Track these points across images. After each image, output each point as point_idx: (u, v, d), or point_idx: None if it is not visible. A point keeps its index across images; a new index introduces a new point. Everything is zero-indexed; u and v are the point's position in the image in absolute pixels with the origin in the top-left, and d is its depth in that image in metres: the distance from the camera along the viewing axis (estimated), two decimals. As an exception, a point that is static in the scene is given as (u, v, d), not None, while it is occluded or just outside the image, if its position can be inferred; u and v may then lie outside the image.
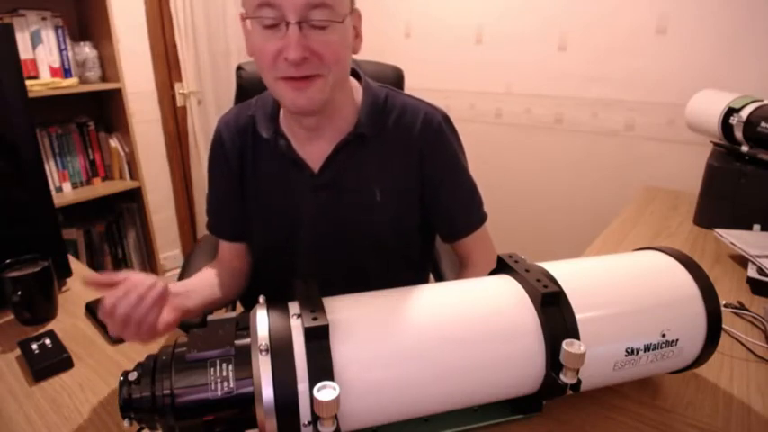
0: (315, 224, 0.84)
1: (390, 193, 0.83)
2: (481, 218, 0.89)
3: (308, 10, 0.65)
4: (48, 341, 0.73)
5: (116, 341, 0.75)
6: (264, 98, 0.88)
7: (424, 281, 1.03)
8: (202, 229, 2.63)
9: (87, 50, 1.91)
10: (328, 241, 0.85)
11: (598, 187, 1.94)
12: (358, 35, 0.78)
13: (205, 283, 0.85)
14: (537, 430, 0.57)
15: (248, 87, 1.19)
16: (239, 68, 1.25)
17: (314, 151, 0.82)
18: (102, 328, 0.78)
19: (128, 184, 2.07)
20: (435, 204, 0.86)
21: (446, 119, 0.86)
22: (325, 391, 0.42)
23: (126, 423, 0.45)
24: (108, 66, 1.95)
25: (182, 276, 1.14)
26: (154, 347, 0.54)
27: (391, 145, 0.82)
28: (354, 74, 0.87)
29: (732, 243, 0.98)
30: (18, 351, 0.72)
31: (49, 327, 0.80)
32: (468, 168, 0.89)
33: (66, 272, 0.94)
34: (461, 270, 0.91)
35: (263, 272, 0.95)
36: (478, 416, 0.57)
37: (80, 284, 0.94)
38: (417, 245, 0.90)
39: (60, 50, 1.83)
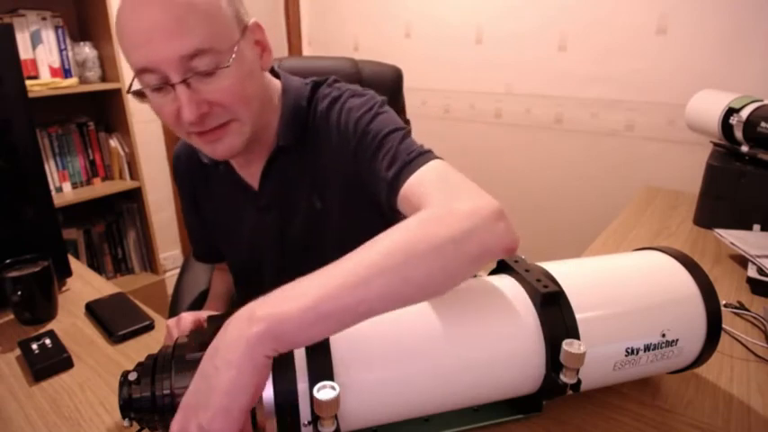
0: (273, 246, 0.82)
1: (331, 196, 0.76)
2: (410, 162, 0.64)
3: (187, 62, 0.58)
4: (48, 341, 0.73)
5: (116, 341, 0.75)
6: None
7: None
8: (202, 229, 2.63)
9: (87, 50, 1.91)
10: (293, 259, 0.81)
11: (598, 187, 1.95)
12: (264, 49, 0.69)
13: (224, 288, 0.94)
14: (537, 430, 0.57)
15: None
16: None
17: (251, 171, 0.79)
18: (102, 327, 0.78)
19: (128, 184, 2.07)
20: (369, 181, 0.70)
21: (354, 92, 0.75)
22: (325, 391, 0.42)
23: (126, 423, 0.45)
24: (108, 66, 1.95)
25: (180, 276, 1.15)
26: (154, 347, 0.54)
27: (317, 146, 0.75)
28: (276, 75, 0.79)
29: (732, 243, 0.98)
30: (18, 351, 0.72)
31: (49, 327, 0.80)
32: (395, 124, 0.70)
33: (66, 272, 0.94)
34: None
35: (241, 291, 0.96)
36: (478, 416, 0.57)
37: (80, 284, 0.94)
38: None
39: (60, 50, 1.83)
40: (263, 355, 0.40)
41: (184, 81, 0.59)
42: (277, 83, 0.77)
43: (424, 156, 0.64)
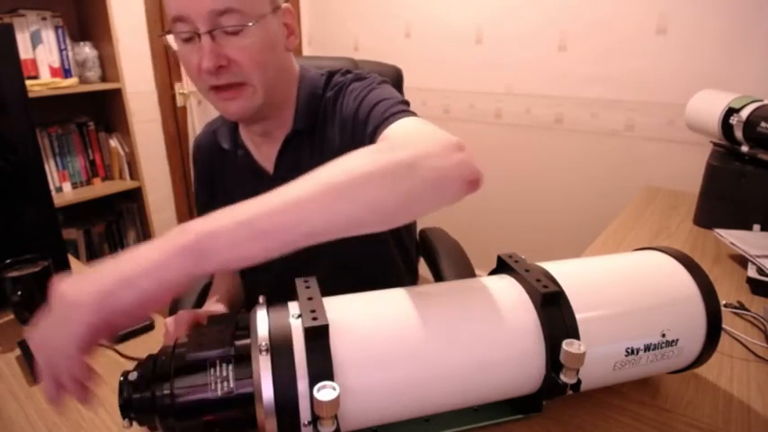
0: None
1: None
2: (393, 117, 0.66)
3: (216, 17, 0.64)
4: (48, 341, 0.73)
5: (116, 341, 0.75)
6: None
7: (413, 257, 1.04)
8: (202, 229, 2.63)
9: (87, 50, 1.91)
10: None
11: (598, 187, 1.95)
12: (292, 33, 0.75)
13: (228, 277, 0.94)
14: (537, 430, 0.57)
15: None
16: None
17: (268, 155, 0.82)
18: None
19: (128, 184, 2.07)
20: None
21: (357, 76, 0.79)
22: (325, 391, 0.42)
23: (126, 423, 0.45)
24: (108, 66, 1.95)
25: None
26: (154, 347, 0.54)
27: (331, 131, 0.79)
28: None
29: (732, 243, 0.98)
30: (18, 351, 0.72)
31: (49, 327, 0.79)
32: (387, 95, 0.72)
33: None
34: None
35: (249, 277, 0.97)
36: (478, 416, 0.57)
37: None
38: (388, 231, 0.82)
39: (60, 50, 1.83)
40: (179, 269, 0.39)
41: (210, 33, 0.64)
42: (297, 71, 0.81)
43: (400, 113, 0.66)
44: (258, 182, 0.83)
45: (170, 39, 0.70)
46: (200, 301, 1.04)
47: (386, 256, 0.91)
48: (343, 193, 0.44)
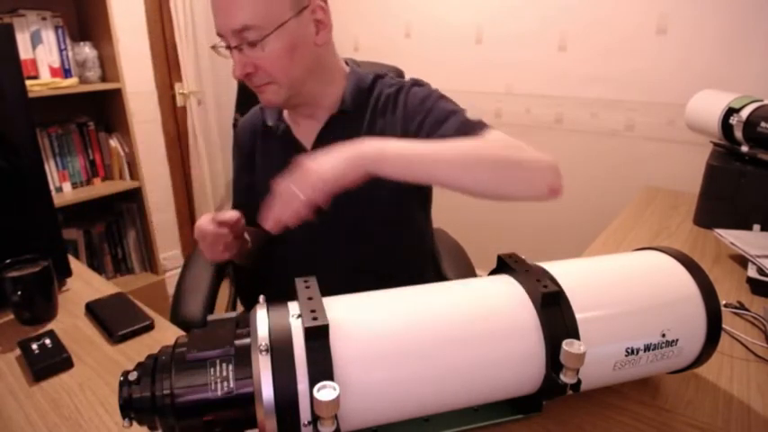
0: None
1: None
2: (480, 126, 0.81)
3: (239, 33, 0.75)
4: (48, 341, 0.73)
5: (116, 341, 0.75)
6: None
7: (429, 247, 1.09)
8: (202, 229, 2.62)
9: (87, 50, 1.91)
10: (329, 215, 0.83)
11: (598, 187, 1.95)
12: (324, 27, 0.81)
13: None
14: (537, 430, 0.57)
15: (248, 87, 1.20)
16: None
17: (308, 132, 0.91)
18: (102, 327, 0.78)
19: (128, 184, 2.07)
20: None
21: (417, 82, 0.91)
22: (325, 391, 0.42)
23: (126, 423, 0.45)
24: (108, 66, 1.95)
25: (183, 275, 1.15)
26: (154, 347, 0.54)
27: (375, 120, 0.88)
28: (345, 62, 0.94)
29: (732, 243, 0.98)
30: (18, 351, 0.72)
31: (49, 327, 0.80)
32: (458, 107, 0.86)
33: (66, 272, 0.94)
34: None
35: (277, 245, 1.00)
36: (478, 416, 0.57)
37: (80, 284, 0.94)
38: (418, 214, 0.98)
39: (60, 50, 1.83)
40: (361, 165, 0.64)
41: (237, 47, 0.77)
42: (340, 62, 0.91)
43: (486, 126, 0.82)
44: (295, 155, 0.85)
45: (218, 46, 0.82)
46: (202, 302, 1.04)
47: (410, 259, 1.00)
48: (469, 165, 0.67)
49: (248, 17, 0.73)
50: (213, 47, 0.83)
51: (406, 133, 0.85)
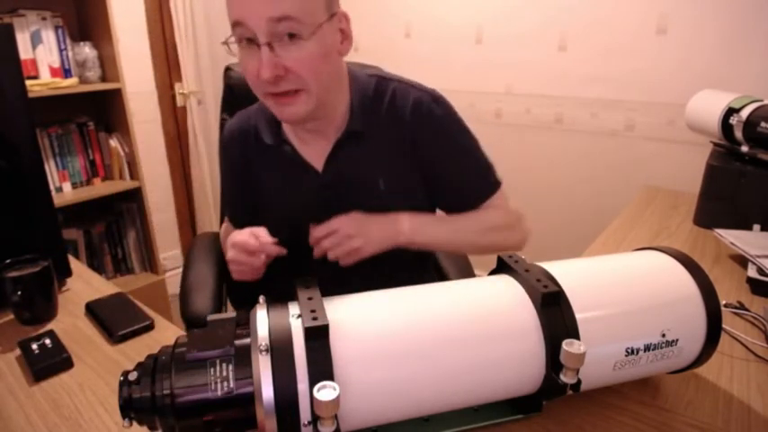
0: (324, 218, 0.86)
1: (395, 180, 0.86)
2: (492, 186, 0.89)
3: (274, 24, 0.66)
4: (48, 341, 0.73)
5: (116, 341, 0.75)
6: (264, 106, 0.89)
7: (430, 263, 1.10)
8: (202, 228, 2.63)
9: (87, 50, 1.90)
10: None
11: (598, 187, 1.95)
12: (347, 37, 0.77)
13: None
14: (537, 430, 0.57)
15: (237, 88, 1.23)
16: (228, 69, 1.26)
17: (316, 151, 0.85)
18: (102, 327, 0.78)
19: (128, 184, 2.07)
20: (440, 183, 0.88)
21: (436, 99, 0.87)
22: (325, 391, 0.42)
23: (126, 423, 0.45)
24: (108, 66, 1.95)
25: (184, 275, 1.15)
26: (154, 347, 0.54)
27: (385, 134, 0.84)
28: None
29: (732, 243, 0.98)
30: (18, 351, 0.72)
31: (49, 327, 0.80)
32: (473, 142, 0.90)
33: (66, 272, 0.94)
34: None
35: (277, 266, 0.96)
36: (478, 416, 0.57)
37: (80, 284, 0.94)
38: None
39: (60, 50, 1.83)
40: (397, 242, 0.79)
41: (269, 44, 0.67)
42: (346, 71, 0.84)
43: (497, 181, 0.90)
44: (306, 177, 0.86)
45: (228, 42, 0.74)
46: (208, 298, 1.06)
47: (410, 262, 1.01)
48: (472, 249, 0.92)
49: (291, 7, 0.66)
50: (225, 42, 0.72)
51: (415, 149, 0.85)
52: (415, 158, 0.85)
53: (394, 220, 0.80)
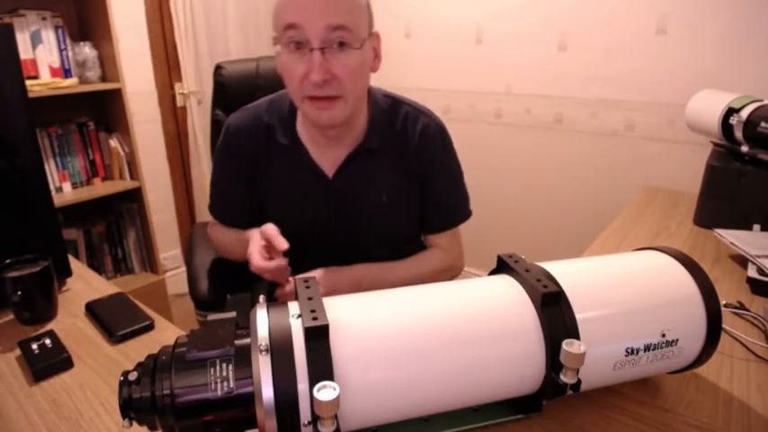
0: (328, 221, 0.92)
1: (395, 194, 0.92)
2: (465, 215, 0.99)
3: (330, 32, 0.72)
4: (48, 341, 0.73)
5: (116, 341, 0.75)
6: (278, 105, 0.93)
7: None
8: (202, 229, 2.62)
9: (87, 50, 1.90)
10: (341, 235, 0.93)
11: (598, 187, 1.95)
12: (377, 56, 0.84)
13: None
14: (537, 430, 0.57)
15: (228, 85, 1.28)
16: (219, 67, 1.28)
17: (330, 158, 0.90)
18: (102, 327, 0.78)
19: (128, 184, 2.07)
20: (427, 201, 0.96)
21: (441, 129, 0.95)
22: (325, 391, 0.42)
23: (126, 423, 0.45)
24: (108, 66, 1.94)
25: (189, 261, 1.21)
26: (154, 347, 0.54)
27: (394, 152, 0.91)
28: None
29: (732, 243, 0.98)
30: (18, 351, 0.72)
31: (49, 327, 0.80)
32: (460, 173, 0.99)
33: (67, 272, 0.94)
34: (424, 251, 1.01)
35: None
36: (478, 416, 0.57)
37: (80, 284, 0.94)
38: (417, 234, 1.02)
39: (60, 50, 1.83)
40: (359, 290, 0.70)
41: (322, 49, 0.73)
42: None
43: (470, 212, 1.00)
44: (316, 181, 0.90)
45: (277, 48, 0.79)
46: (220, 275, 1.12)
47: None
48: (413, 281, 0.75)
49: (346, 18, 0.73)
50: (275, 38, 0.78)
51: (416, 168, 0.92)
52: (415, 177, 0.93)
53: (356, 272, 0.89)
